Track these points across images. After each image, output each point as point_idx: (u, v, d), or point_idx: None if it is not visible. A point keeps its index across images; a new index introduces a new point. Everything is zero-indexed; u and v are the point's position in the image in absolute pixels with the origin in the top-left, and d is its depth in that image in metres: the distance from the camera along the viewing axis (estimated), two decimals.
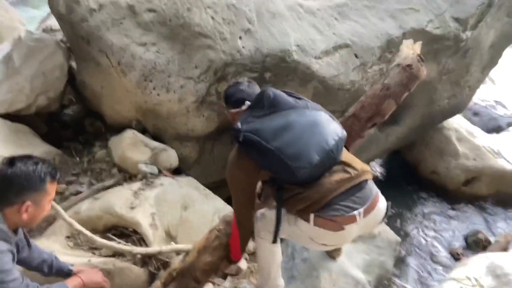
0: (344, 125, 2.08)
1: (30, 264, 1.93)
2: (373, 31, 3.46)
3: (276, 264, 2.21)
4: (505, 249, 4.18)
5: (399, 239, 3.41)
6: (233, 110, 2.10)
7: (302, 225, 1.86)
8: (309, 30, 3.29)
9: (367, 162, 5.04)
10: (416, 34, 3.58)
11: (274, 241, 1.97)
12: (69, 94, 3.85)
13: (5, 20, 4.18)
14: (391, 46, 3.52)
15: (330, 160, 1.84)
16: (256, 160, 1.85)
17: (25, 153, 1.76)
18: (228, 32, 3.06)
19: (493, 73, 8.03)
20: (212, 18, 3.04)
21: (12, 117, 3.27)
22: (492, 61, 4.91)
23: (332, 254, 2.54)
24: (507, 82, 8.72)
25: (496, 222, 4.79)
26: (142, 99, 3.09)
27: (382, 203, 1.93)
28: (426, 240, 4.48)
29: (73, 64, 3.61)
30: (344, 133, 1.93)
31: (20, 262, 1.82)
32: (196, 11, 3.00)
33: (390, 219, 3.76)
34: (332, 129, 1.88)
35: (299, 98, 2.00)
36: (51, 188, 1.72)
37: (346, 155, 1.94)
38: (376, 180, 5.58)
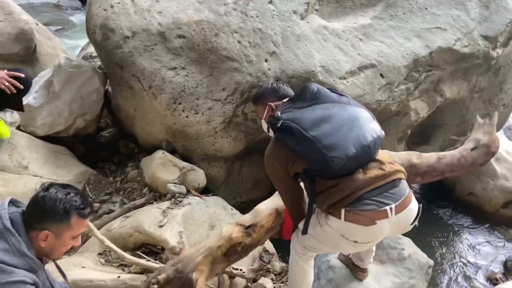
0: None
1: None
2: (399, 51, 3.46)
3: (307, 284, 2.22)
4: None
5: (431, 262, 3.28)
6: (273, 104, 2.18)
7: (333, 222, 1.85)
8: (333, 51, 3.33)
9: None
10: (444, 53, 3.54)
11: (305, 232, 1.97)
12: (105, 117, 4.06)
13: (48, 48, 4.47)
14: (418, 65, 3.50)
15: (366, 156, 1.84)
16: (293, 148, 1.85)
17: (65, 182, 1.70)
18: (254, 55, 3.15)
19: None
20: (239, 42, 3.15)
21: (52, 139, 3.48)
22: None
23: (358, 275, 2.49)
24: None
25: None
26: (171, 121, 3.20)
27: (414, 204, 1.90)
28: (462, 265, 4.29)
29: (109, 88, 3.81)
30: (383, 133, 1.93)
31: None
32: (224, 36, 3.12)
33: (423, 242, 3.63)
34: (372, 127, 1.90)
35: (342, 95, 2.03)
36: (77, 224, 1.59)
37: (382, 155, 1.94)
38: None
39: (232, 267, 2.63)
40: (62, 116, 3.42)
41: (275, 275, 2.88)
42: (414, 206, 1.90)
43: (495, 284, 3.84)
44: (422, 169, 2.68)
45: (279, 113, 1.92)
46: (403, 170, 1.93)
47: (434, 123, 4.29)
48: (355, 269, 2.49)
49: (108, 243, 2.65)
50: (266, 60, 3.19)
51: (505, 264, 4.21)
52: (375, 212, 1.76)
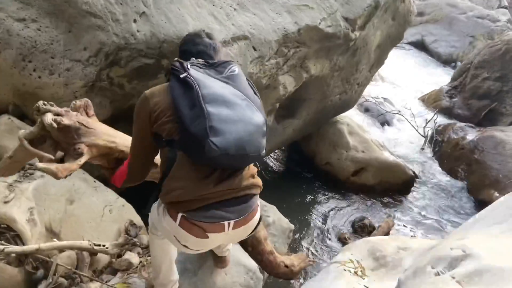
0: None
1: None
2: (270, 25, 3.53)
3: (168, 260, 2.14)
4: (387, 234, 4.62)
5: (292, 226, 3.56)
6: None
7: (168, 221, 1.74)
8: (207, 18, 3.24)
9: (268, 153, 5.19)
10: (310, 30, 3.74)
11: (148, 211, 1.89)
12: None
13: None
14: (287, 41, 3.63)
15: (238, 164, 1.70)
16: (179, 106, 1.62)
17: None
18: (121, 13, 2.88)
19: (383, 71, 8.88)
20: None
21: None
22: (379, 60, 5.36)
23: (217, 266, 2.47)
24: (394, 81, 9.67)
25: (380, 209, 5.27)
26: (20, 81, 2.77)
27: (256, 217, 1.85)
28: (318, 227, 4.76)
29: None
30: (263, 153, 1.77)
31: None
32: None
33: (285, 208, 3.90)
34: (261, 143, 1.71)
35: (256, 95, 1.80)
36: None
37: (250, 166, 1.83)
38: (274, 170, 5.73)
39: (94, 243, 2.45)
40: None
41: (142, 248, 2.77)
42: (256, 219, 1.84)
43: (344, 244, 4.34)
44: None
45: (188, 65, 1.69)
46: (260, 184, 1.84)
47: (299, 97, 4.56)
48: (215, 259, 2.45)
49: None
50: (135, 21, 2.94)
51: (353, 225, 4.80)
52: (211, 225, 1.67)
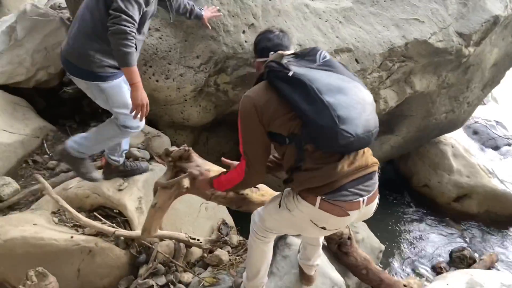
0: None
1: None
2: (376, 38, 3.47)
3: (266, 264, 2.21)
4: (489, 268, 4.21)
5: (383, 247, 3.42)
6: (259, 60, 2.01)
7: (305, 207, 1.79)
8: (312, 31, 3.30)
9: None
10: (419, 45, 3.58)
11: (279, 207, 1.90)
12: None
13: None
14: (393, 55, 3.53)
15: (366, 142, 1.75)
16: (298, 104, 1.65)
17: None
18: (232, 25, 3.07)
19: (497, 92, 8.10)
20: (218, 10, 3.05)
21: (11, 89, 3.29)
22: (494, 80, 4.92)
23: (305, 282, 2.46)
24: (510, 103, 8.75)
25: (484, 241, 4.81)
26: None
27: (377, 196, 1.92)
28: (410, 251, 4.49)
29: None
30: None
31: None
32: (203, 1, 3.02)
33: (377, 227, 3.76)
34: (376, 117, 1.79)
35: (355, 75, 1.86)
36: None
37: None
38: None
39: (190, 236, 2.62)
40: (23, 65, 3.24)
41: (232, 248, 2.90)
42: (377, 197, 1.91)
43: (439, 273, 4.04)
44: None
45: (285, 61, 1.72)
46: (378, 162, 1.90)
47: (400, 113, 4.38)
48: (303, 276, 2.46)
49: (62, 202, 2.58)
50: (243, 32, 3.11)
51: (450, 255, 4.45)
52: (350, 203, 1.75)
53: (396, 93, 3.87)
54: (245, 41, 3.10)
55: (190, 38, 3.07)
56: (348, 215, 1.76)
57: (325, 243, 2.85)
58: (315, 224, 1.82)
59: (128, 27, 2.07)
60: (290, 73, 1.67)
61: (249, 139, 1.83)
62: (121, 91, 2.36)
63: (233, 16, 3.08)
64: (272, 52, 1.90)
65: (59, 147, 2.58)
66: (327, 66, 1.76)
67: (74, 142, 2.53)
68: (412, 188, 5.51)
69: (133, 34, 2.10)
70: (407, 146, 4.93)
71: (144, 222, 2.33)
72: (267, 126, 1.76)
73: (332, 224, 1.83)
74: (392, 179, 5.76)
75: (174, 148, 2.21)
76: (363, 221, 3.32)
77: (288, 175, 1.82)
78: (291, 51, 1.88)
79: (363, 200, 1.77)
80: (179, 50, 3.07)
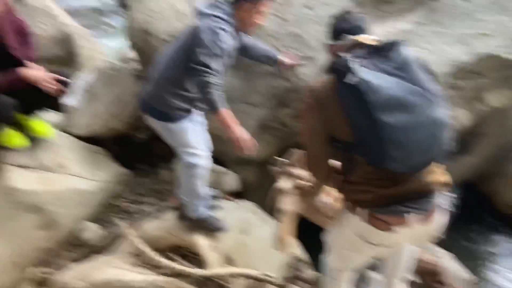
0: None
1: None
2: (440, 57, 3.33)
3: None
4: None
5: (475, 278, 3.16)
6: (333, 44, 1.85)
7: (351, 217, 1.75)
8: None
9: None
10: (488, 59, 3.39)
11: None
12: (140, 119, 4.13)
13: (88, 51, 4.61)
14: (461, 72, 3.37)
15: (421, 169, 1.64)
16: (350, 113, 1.56)
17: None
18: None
19: None
20: (273, 46, 3.11)
21: (90, 139, 3.57)
22: None
23: None
24: None
25: None
26: None
27: (441, 217, 1.77)
28: (503, 285, 4.08)
29: None
30: (451, 145, 1.67)
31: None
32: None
33: (456, 254, 3.46)
34: (447, 140, 1.61)
35: (435, 83, 1.66)
36: None
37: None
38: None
39: (264, 274, 2.60)
40: (101, 117, 3.52)
41: (306, 283, 2.82)
42: (440, 220, 1.78)
43: None
44: None
45: (351, 61, 1.55)
46: (444, 181, 1.74)
47: (474, 131, 4.11)
48: None
49: (142, 246, 2.69)
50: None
51: None
52: (393, 218, 1.66)
53: (468, 111, 3.66)
54: (303, 73, 3.12)
55: (249, 75, 3.16)
56: (390, 229, 1.68)
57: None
58: (365, 240, 1.76)
59: (210, 77, 2.30)
60: (354, 80, 1.50)
61: (305, 128, 1.80)
62: (185, 132, 2.58)
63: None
64: (349, 36, 1.74)
65: (183, 220, 2.84)
66: (401, 70, 1.55)
67: (183, 205, 2.81)
68: (496, 211, 5.07)
69: (215, 82, 2.33)
70: (486, 166, 4.59)
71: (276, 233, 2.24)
72: (325, 123, 1.70)
73: (378, 239, 1.74)
74: (473, 202, 5.34)
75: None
76: (447, 249, 3.12)
77: (341, 183, 1.79)
78: (370, 38, 1.72)
79: (410, 217, 1.66)
80: (240, 89, 3.16)
